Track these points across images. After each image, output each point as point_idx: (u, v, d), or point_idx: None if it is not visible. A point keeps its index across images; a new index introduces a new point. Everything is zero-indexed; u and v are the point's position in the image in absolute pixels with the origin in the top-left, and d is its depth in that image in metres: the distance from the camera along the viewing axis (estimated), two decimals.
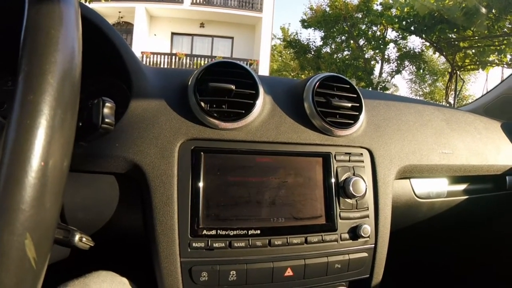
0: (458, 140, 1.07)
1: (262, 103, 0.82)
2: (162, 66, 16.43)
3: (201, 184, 0.71)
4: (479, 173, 1.10)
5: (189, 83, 0.79)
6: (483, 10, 8.10)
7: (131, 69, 0.77)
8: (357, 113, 0.89)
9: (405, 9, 10.54)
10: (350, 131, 0.87)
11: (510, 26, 9.06)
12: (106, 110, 0.55)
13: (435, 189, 1.06)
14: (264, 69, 17.31)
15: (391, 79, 16.29)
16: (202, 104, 0.76)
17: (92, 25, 0.71)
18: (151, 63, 16.44)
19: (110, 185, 0.72)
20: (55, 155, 0.35)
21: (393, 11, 11.99)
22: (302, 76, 18.85)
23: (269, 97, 0.87)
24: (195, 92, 0.76)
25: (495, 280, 1.47)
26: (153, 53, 16.60)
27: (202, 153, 0.73)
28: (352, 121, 0.87)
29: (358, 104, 0.90)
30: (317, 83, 0.87)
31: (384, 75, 16.53)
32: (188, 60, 16.81)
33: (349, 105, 0.88)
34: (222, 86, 0.77)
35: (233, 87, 0.77)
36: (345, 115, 0.87)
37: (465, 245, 1.50)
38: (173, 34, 18.11)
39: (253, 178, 0.75)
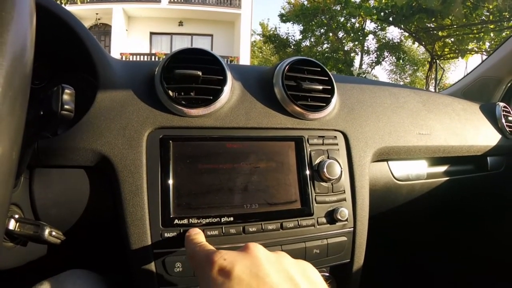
0: (436, 122, 1.07)
1: (231, 89, 0.80)
2: None
3: (170, 173, 0.69)
4: (459, 154, 1.10)
5: (156, 72, 0.77)
6: None
7: (97, 60, 0.74)
8: (329, 96, 0.87)
9: (383, 0, 10.63)
10: (323, 114, 0.85)
11: (488, 13, 9.23)
12: (65, 97, 0.53)
13: (414, 171, 1.06)
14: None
15: (371, 70, 16.48)
16: (170, 92, 0.74)
17: (53, 16, 0.69)
18: None
19: (81, 180, 0.70)
20: (4, 144, 0.32)
21: (371, 2, 12.14)
22: None
23: (239, 83, 0.85)
24: (161, 80, 0.75)
25: (477, 258, 1.50)
26: (132, 54, 16.53)
27: (170, 141, 0.71)
28: (324, 104, 0.86)
29: (329, 87, 0.89)
30: (287, 67, 0.86)
31: (364, 66, 16.70)
32: None
33: (320, 87, 0.87)
34: (189, 72, 0.75)
35: (199, 73, 0.75)
36: (316, 98, 0.86)
37: (449, 225, 1.52)
38: (151, 33, 18.07)
39: (224, 164, 0.73)
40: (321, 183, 0.79)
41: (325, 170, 0.78)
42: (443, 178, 1.13)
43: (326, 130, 0.86)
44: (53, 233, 0.61)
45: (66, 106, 0.52)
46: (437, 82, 12.10)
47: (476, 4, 8.78)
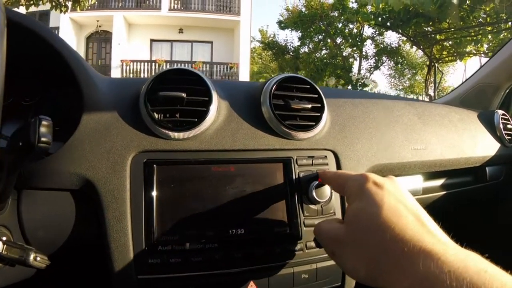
0: (432, 134, 1.04)
1: (217, 109, 0.78)
2: (142, 73, 16.39)
3: (154, 198, 0.67)
4: (456, 166, 1.07)
5: (141, 93, 0.76)
6: (455, 1, 8.25)
7: (82, 81, 0.72)
8: (319, 114, 0.84)
9: (380, 5, 10.63)
10: (312, 133, 0.83)
11: (485, 16, 9.22)
12: (42, 129, 0.52)
13: (410, 186, 1.02)
14: (244, 72, 17.38)
15: (370, 75, 16.43)
16: (154, 114, 0.73)
17: (31, 33, 0.67)
18: (131, 71, 16.39)
19: (67, 202, 0.70)
20: None
21: (369, 8, 12.11)
22: None
23: (226, 102, 0.83)
24: (145, 102, 0.73)
25: None
26: (133, 61, 16.53)
27: (155, 165, 0.70)
28: (314, 123, 0.83)
29: (319, 105, 0.86)
30: (275, 86, 0.83)
31: (363, 71, 16.66)
32: (168, 66, 16.61)
33: (309, 106, 0.84)
34: (172, 94, 0.74)
35: (183, 95, 0.74)
36: (306, 117, 0.83)
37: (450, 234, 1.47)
38: (152, 41, 18.07)
39: (209, 188, 0.71)
40: (310, 206, 0.76)
41: (313, 192, 0.73)
42: (440, 192, 1.10)
43: (316, 150, 0.83)
44: (38, 258, 0.60)
45: (43, 139, 0.52)
46: (436, 85, 12.13)
47: (473, 7, 8.80)
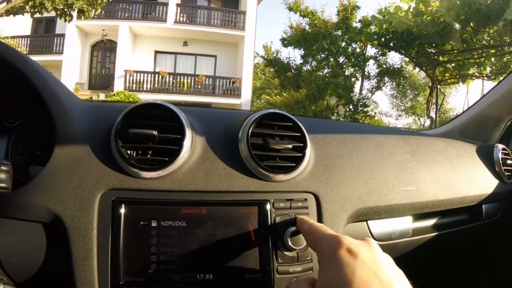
0: (425, 173, 0.99)
1: (191, 147, 0.76)
2: (145, 84, 16.48)
3: (121, 238, 0.66)
4: (450, 207, 1.02)
5: (112, 129, 0.74)
6: (457, 26, 8.30)
7: (54, 113, 0.71)
8: (301, 155, 0.81)
9: (384, 26, 10.74)
10: (292, 176, 0.79)
11: (488, 38, 9.29)
12: (1, 175, 0.53)
13: (398, 228, 0.96)
14: (247, 87, 17.48)
15: (371, 95, 16.44)
16: (125, 151, 0.71)
17: (4, 61, 0.66)
18: (134, 81, 16.44)
19: (38, 234, 0.69)
20: None
21: (372, 28, 12.20)
22: (284, 93, 18.99)
23: (202, 138, 0.80)
24: (116, 139, 0.72)
25: None
26: (136, 72, 16.59)
27: (123, 204, 0.68)
28: (294, 164, 0.80)
29: (302, 144, 0.82)
30: (254, 124, 0.80)
31: (364, 91, 16.66)
32: (171, 79, 16.90)
33: (290, 146, 0.80)
34: (142, 132, 0.72)
35: (155, 132, 0.72)
36: (286, 158, 0.80)
37: (435, 281, 1.39)
38: (156, 52, 18.19)
39: (178, 231, 0.69)
40: (285, 253, 0.73)
41: (289, 239, 0.70)
42: (432, 234, 1.04)
43: (295, 192, 0.79)
44: None
45: (1, 185, 0.53)
46: (438, 107, 12.16)
47: (476, 29, 8.87)
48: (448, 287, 1.40)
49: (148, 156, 0.74)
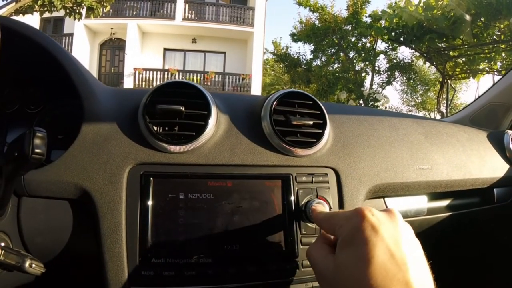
0: (438, 154, 1.00)
1: (216, 124, 0.78)
2: (154, 82, 16.56)
3: (150, 211, 0.68)
4: (462, 187, 1.03)
5: (140, 105, 0.77)
6: (468, 19, 8.21)
7: (82, 92, 0.74)
8: (321, 131, 0.83)
9: (394, 20, 10.69)
10: (313, 150, 0.81)
11: (499, 33, 9.19)
12: (36, 141, 0.54)
13: (414, 206, 0.99)
14: (257, 83, 17.50)
15: (381, 90, 16.37)
16: (152, 127, 0.73)
17: (28, 40, 0.69)
18: (144, 79, 16.54)
19: (65, 211, 0.71)
20: None
21: (382, 22, 12.15)
22: (294, 89, 19.00)
23: (226, 116, 0.83)
24: (144, 115, 0.74)
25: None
26: (146, 69, 16.72)
27: (151, 178, 0.70)
28: (315, 140, 0.81)
29: (321, 121, 0.84)
30: (276, 101, 0.83)
31: (374, 86, 16.60)
32: (180, 76, 16.93)
33: (311, 122, 0.83)
34: (170, 107, 0.74)
35: (182, 108, 0.74)
36: (307, 134, 0.82)
37: (450, 262, 1.38)
38: (165, 50, 18.30)
39: (205, 203, 0.71)
40: (308, 224, 0.75)
41: (311, 210, 0.71)
42: (445, 214, 1.06)
43: (316, 167, 0.81)
44: (33, 265, 0.61)
45: (36, 150, 0.53)
46: (449, 102, 12.05)
47: (487, 24, 8.77)
48: (461, 266, 1.42)
49: (175, 131, 0.76)
